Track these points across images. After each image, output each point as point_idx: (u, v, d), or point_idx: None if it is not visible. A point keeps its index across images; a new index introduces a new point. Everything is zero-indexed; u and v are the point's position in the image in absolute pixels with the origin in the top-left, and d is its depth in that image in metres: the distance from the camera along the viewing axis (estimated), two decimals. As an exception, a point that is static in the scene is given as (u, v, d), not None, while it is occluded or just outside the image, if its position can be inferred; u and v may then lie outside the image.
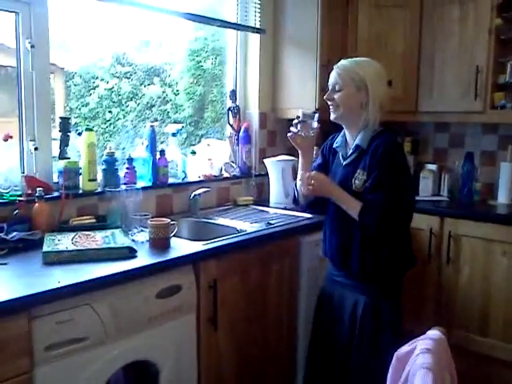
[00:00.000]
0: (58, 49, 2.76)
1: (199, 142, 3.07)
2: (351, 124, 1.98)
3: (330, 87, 1.98)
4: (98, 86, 2.91)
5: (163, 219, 2.10)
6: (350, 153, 1.99)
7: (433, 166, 3.39)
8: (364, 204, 1.87)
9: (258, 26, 3.15)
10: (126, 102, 2.98)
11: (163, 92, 3.16)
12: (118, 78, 2.99)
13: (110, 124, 2.93)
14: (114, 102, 2.94)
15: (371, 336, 1.96)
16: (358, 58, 1.98)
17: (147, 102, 3.08)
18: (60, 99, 2.75)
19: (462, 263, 2.87)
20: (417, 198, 3.22)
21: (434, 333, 1.39)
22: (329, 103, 1.98)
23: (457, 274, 2.88)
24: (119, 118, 2.94)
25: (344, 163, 2.00)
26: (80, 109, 2.83)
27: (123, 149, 2.78)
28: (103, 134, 2.87)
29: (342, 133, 2.06)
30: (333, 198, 1.97)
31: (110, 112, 2.92)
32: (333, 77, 1.96)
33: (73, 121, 2.62)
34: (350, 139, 2.02)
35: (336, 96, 1.94)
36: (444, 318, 2.89)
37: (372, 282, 1.97)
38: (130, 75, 3.03)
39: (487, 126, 3.27)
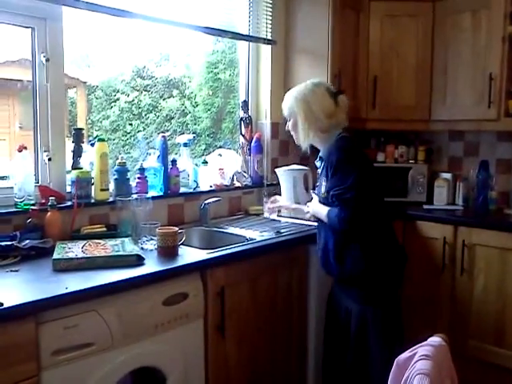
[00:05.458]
0: (80, 63, 2.83)
1: (217, 152, 3.10)
2: (313, 143, 2.19)
3: None
4: (118, 99, 2.97)
5: (171, 227, 2.13)
6: (319, 165, 2.21)
7: (447, 175, 3.36)
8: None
9: (269, 37, 3.18)
10: (145, 115, 3.03)
11: (182, 104, 3.20)
12: (138, 91, 3.05)
13: (131, 136, 2.99)
14: (134, 114, 3.00)
15: (359, 342, 2.11)
16: (293, 88, 2.22)
17: (167, 115, 3.12)
18: (82, 112, 2.82)
19: (477, 273, 2.83)
20: (431, 207, 3.21)
21: (434, 339, 1.38)
22: None
23: (471, 284, 2.84)
24: (139, 130, 2.99)
25: (318, 174, 2.23)
26: (101, 121, 2.89)
27: (143, 160, 2.82)
28: (124, 146, 2.92)
29: None
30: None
31: (130, 124, 2.97)
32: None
33: (94, 133, 2.68)
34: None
35: (287, 127, 2.23)
36: (459, 329, 2.85)
37: (355, 287, 2.12)
38: (150, 88, 3.09)
39: (502, 133, 3.23)
